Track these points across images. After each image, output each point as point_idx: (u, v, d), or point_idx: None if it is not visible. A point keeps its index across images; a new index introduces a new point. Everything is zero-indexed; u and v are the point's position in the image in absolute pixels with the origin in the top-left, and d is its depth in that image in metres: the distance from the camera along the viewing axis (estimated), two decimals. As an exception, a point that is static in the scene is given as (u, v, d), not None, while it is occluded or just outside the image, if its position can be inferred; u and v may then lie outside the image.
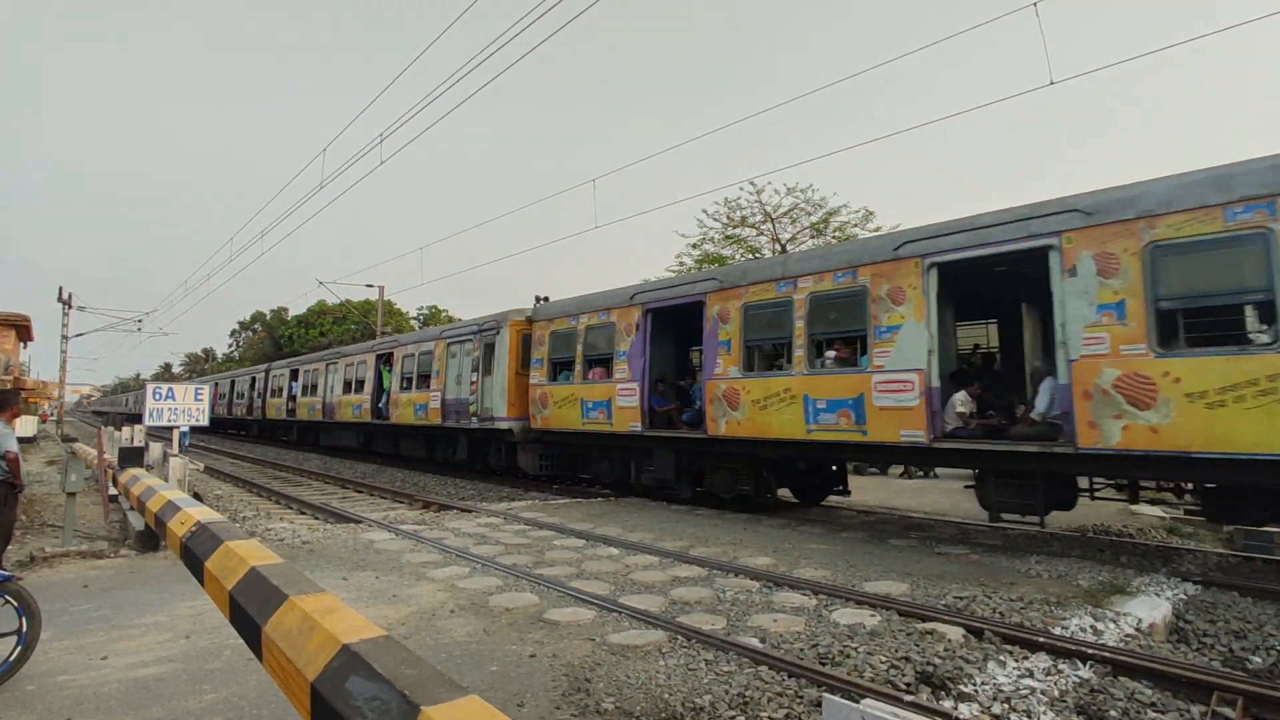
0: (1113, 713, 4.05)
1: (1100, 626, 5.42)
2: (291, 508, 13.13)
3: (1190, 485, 8.07)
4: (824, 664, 4.56)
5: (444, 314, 54.97)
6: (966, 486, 10.84)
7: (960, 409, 8.48)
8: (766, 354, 10.63)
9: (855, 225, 23.65)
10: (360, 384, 22.76)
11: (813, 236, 24.14)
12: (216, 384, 43.56)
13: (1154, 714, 4.09)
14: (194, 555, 3.30)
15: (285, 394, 29.88)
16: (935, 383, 8.38)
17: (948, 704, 4.10)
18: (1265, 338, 6.41)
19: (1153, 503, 11.93)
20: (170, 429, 9.58)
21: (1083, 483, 8.26)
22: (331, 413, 24.68)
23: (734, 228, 25.45)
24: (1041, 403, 7.88)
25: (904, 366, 8.62)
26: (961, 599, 6.06)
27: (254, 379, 35.81)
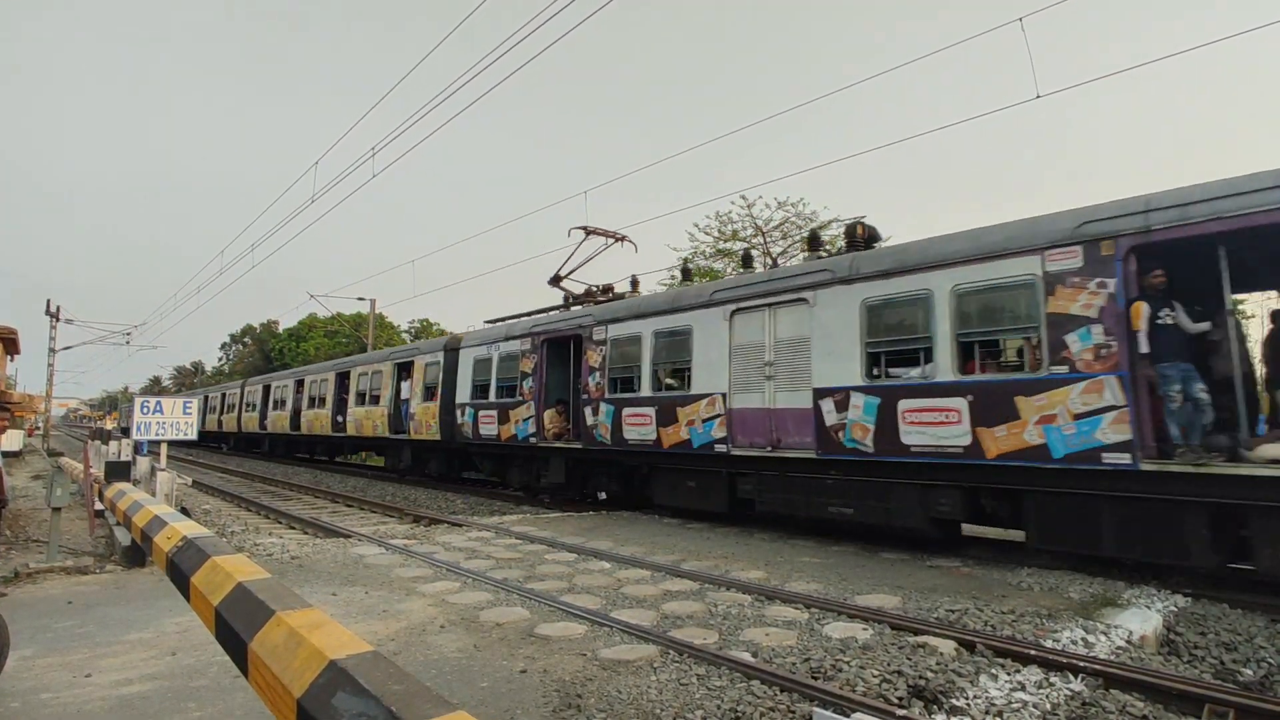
0: (1104, 726, 4.05)
1: (1091, 639, 5.42)
2: (281, 522, 13.02)
3: None
4: (816, 678, 4.54)
5: (435, 327, 54.86)
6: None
7: None
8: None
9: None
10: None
11: (803, 250, 24.27)
12: (303, 381, 27.16)
13: (1145, 727, 4.09)
14: (180, 570, 3.28)
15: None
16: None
17: (940, 717, 4.09)
18: None
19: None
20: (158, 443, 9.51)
21: None
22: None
23: (725, 241, 25.57)
24: None
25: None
26: (953, 612, 6.05)
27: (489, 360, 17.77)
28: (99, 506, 9.37)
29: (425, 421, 18.23)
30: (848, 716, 3.75)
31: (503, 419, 15.24)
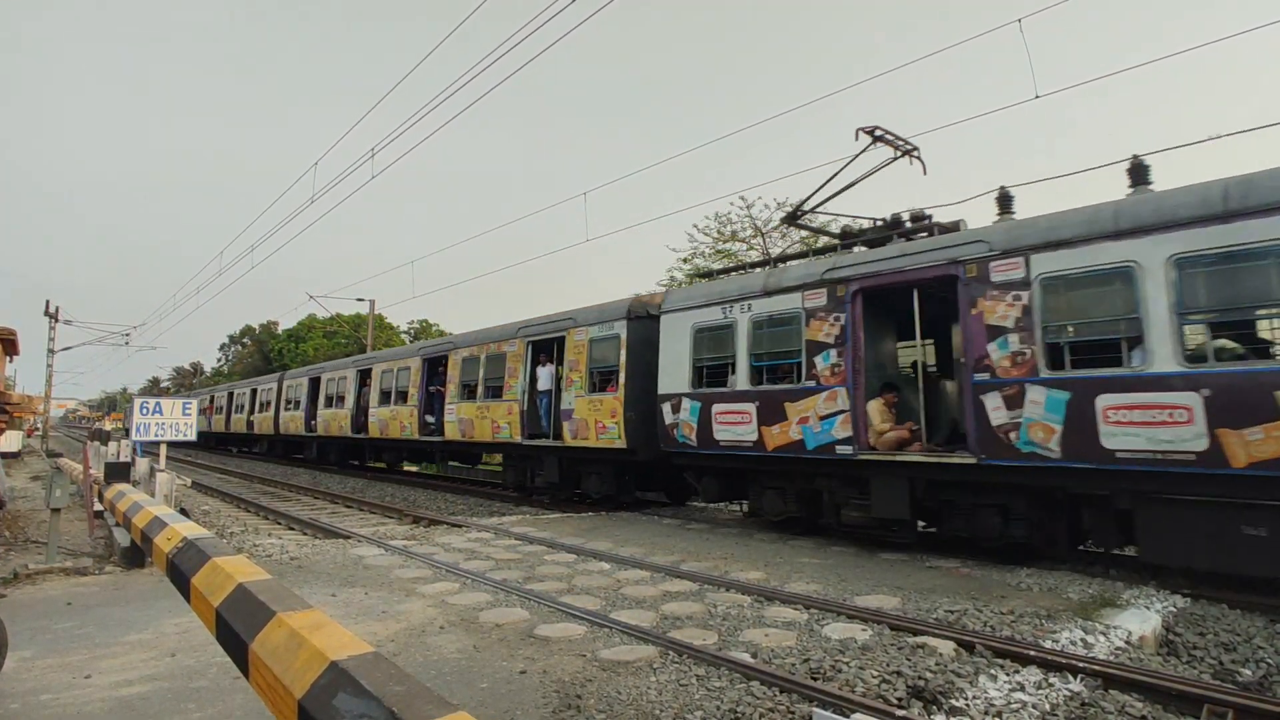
0: (1103, 726, 4.05)
1: (1090, 639, 5.43)
2: (280, 523, 13.03)
3: None
4: (815, 679, 4.55)
5: (435, 328, 54.92)
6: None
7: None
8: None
9: (845, 240, 23.81)
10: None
11: (803, 251, 24.31)
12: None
13: (1144, 727, 4.10)
14: (180, 572, 3.28)
15: None
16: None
17: (939, 718, 4.09)
18: None
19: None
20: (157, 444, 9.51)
21: None
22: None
23: (724, 242, 25.59)
24: None
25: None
26: (953, 612, 6.06)
27: None
28: (98, 507, 9.38)
29: (594, 422, 12.93)
30: (847, 717, 3.75)
31: (770, 416, 9.98)
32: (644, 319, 12.75)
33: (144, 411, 8.99)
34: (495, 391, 15.82)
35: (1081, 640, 5.40)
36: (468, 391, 16.75)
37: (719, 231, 25.51)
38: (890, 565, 8.28)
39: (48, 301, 35.49)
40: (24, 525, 11.07)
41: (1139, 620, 5.94)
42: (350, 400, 22.59)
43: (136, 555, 7.61)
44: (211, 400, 40.25)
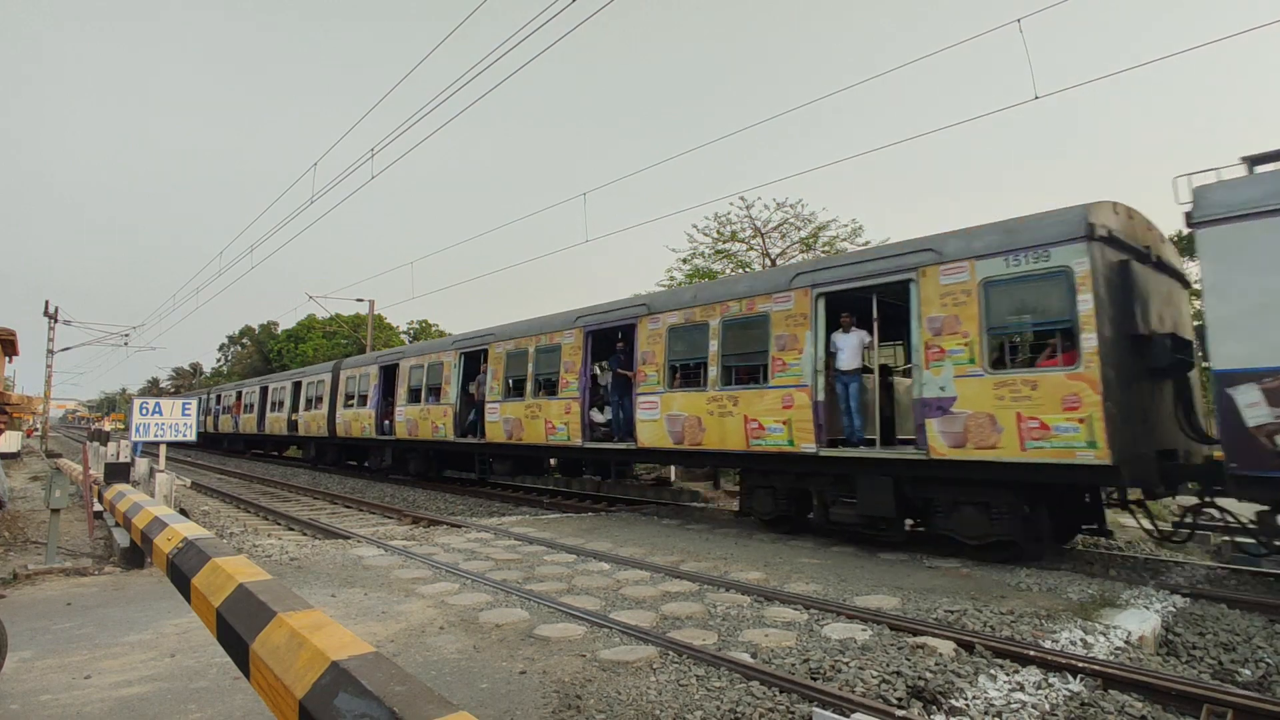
0: (1103, 726, 4.05)
1: (1090, 640, 5.43)
2: (280, 524, 13.02)
3: None
4: (815, 679, 4.55)
5: (434, 328, 54.91)
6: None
7: None
8: None
9: (844, 240, 23.84)
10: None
11: (802, 251, 24.31)
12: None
13: (1144, 727, 4.10)
14: (181, 572, 3.29)
15: None
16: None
17: (939, 718, 4.10)
18: None
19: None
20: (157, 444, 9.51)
21: None
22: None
23: (724, 243, 25.59)
24: None
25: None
26: (952, 613, 6.06)
27: None
28: (98, 508, 9.37)
29: (1014, 417, 7.67)
30: (847, 717, 3.76)
31: None
32: (1119, 243, 7.74)
33: (143, 412, 9.00)
34: (746, 375, 10.69)
35: (1081, 640, 5.41)
36: (678, 376, 11.65)
37: (718, 232, 25.51)
38: (890, 565, 8.29)
39: (47, 302, 35.49)
40: (24, 525, 11.06)
41: (1138, 620, 5.95)
42: (453, 393, 17.39)
43: (136, 556, 7.61)
44: (238, 397, 34.59)
